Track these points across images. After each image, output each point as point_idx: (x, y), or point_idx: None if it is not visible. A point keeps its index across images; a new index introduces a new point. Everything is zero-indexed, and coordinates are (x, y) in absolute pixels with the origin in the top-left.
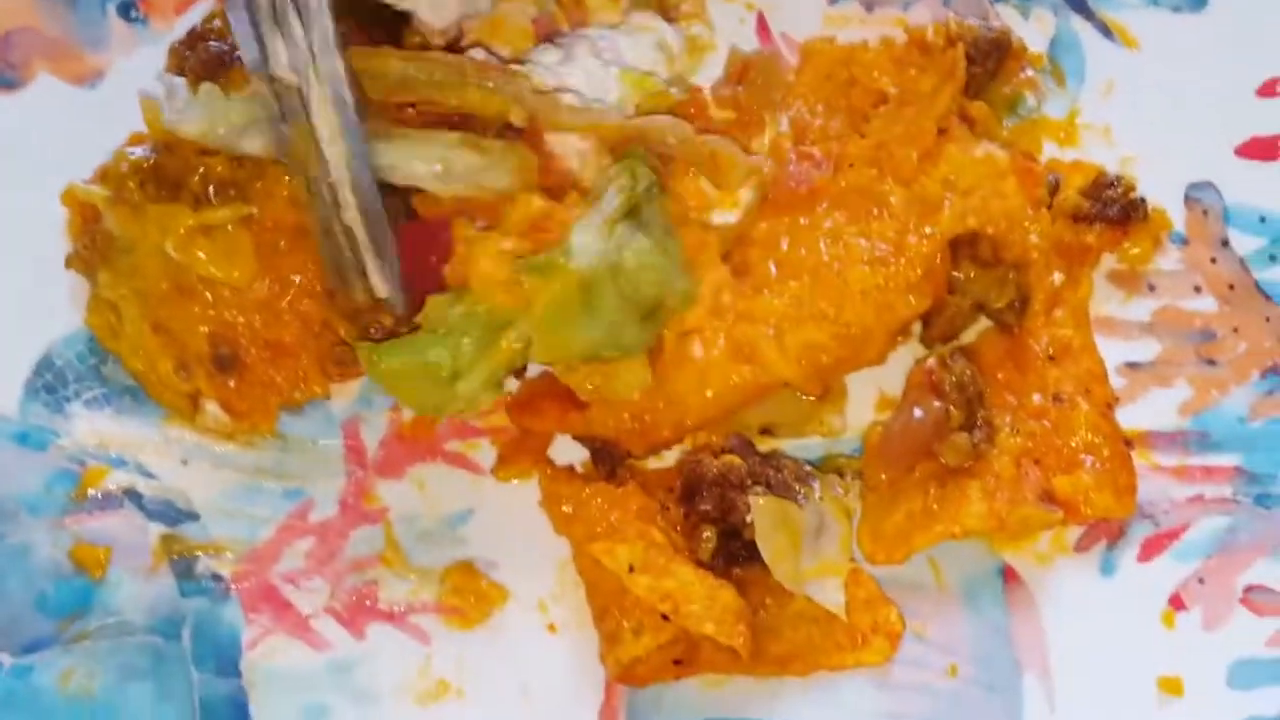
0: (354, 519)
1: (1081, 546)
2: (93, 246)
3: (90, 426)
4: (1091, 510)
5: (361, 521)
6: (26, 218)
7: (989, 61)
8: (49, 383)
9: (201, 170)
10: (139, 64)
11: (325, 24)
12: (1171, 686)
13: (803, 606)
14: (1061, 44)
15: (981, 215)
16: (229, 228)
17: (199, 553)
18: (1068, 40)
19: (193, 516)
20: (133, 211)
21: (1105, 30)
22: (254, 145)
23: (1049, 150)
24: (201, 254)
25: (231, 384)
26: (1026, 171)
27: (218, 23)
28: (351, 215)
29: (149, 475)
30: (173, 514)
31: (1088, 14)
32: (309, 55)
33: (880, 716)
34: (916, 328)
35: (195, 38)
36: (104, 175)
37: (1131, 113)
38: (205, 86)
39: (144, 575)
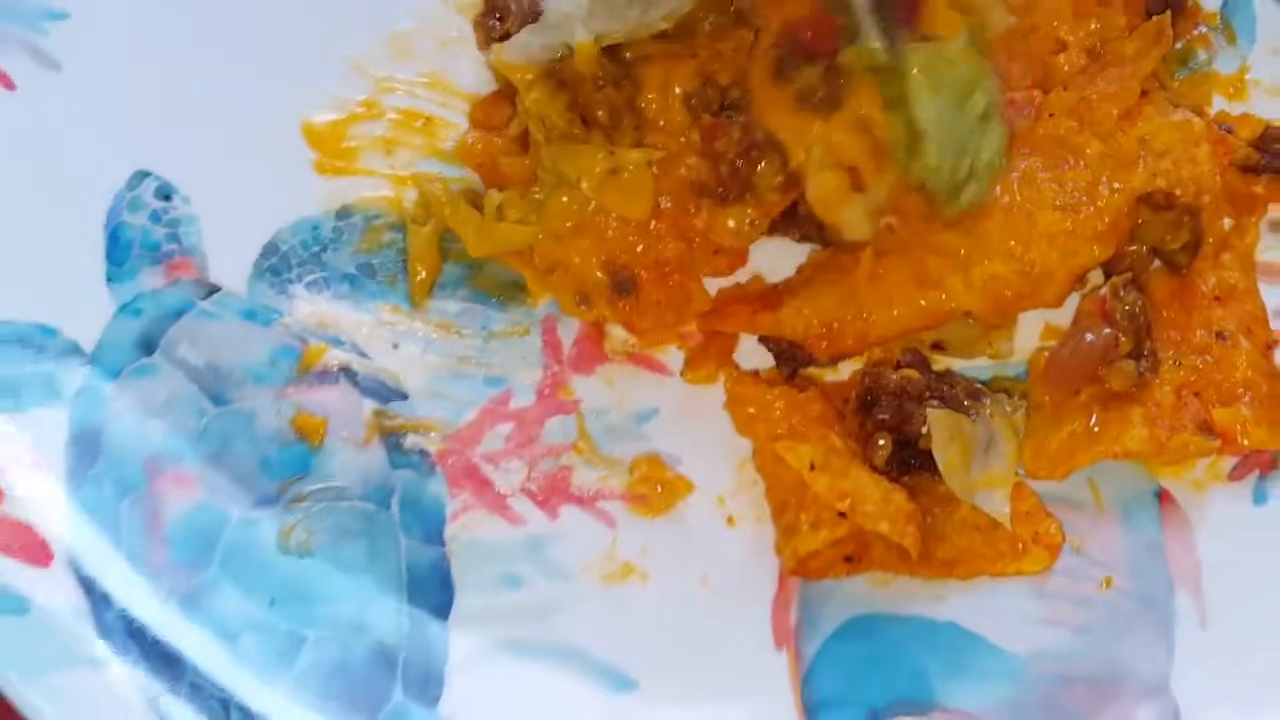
0: (549, 408)
1: (1236, 475)
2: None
3: (311, 308)
4: (1248, 441)
5: (556, 411)
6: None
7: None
8: (274, 265)
9: (606, 104)
10: None
11: None
12: None
13: (968, 514)
14: (1234, 4)
15: (1171, 177)
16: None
17: (408, 430)
18: (1240, 2)
19: (402, 396)
20: (562, 144)
21: None
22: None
23: (1218, 103)
24: (614, 196)
25: (630, 306)
26: (1220, 140)
27: None
28: None
29: (363, 355)
30: (384, 392)
31: None
32: None
33: (1038, 623)
34: (1094, 275)
35: None
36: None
37: None
38: None
39: (357, 446)
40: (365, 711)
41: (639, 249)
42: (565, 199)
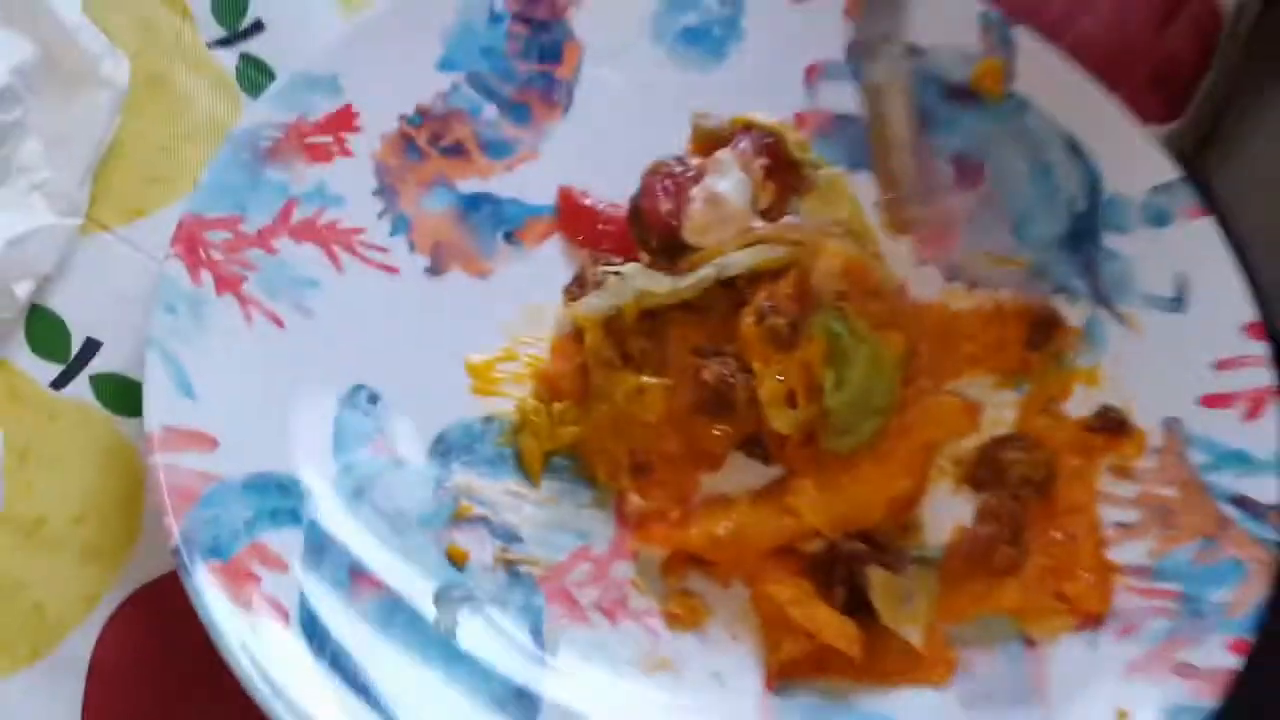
0: (616, 555)
1: (1077, 629)
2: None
3: (464, 479)
4: (1084, 607)
5: (621, 558)
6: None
7: (1046, 329)
8: (442, 449)
9: (640, 345)
10: (517, 270)
11: None
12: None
13: (897, 642)
14: (1091, 324)
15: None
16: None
17: (522, 562)
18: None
19: (520, 540)
20: (607, 370)
21: (1120, 319)
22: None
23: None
24: (637, 407)
25: (645, 483)
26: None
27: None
28: None
29: (496, 512)
30: (508, 536)
31: (1110, 308)
32: None
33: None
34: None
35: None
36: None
37: (1133, 369)
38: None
39: (489, 570)
40: None
41: (653, 445)
42: (605, 408)
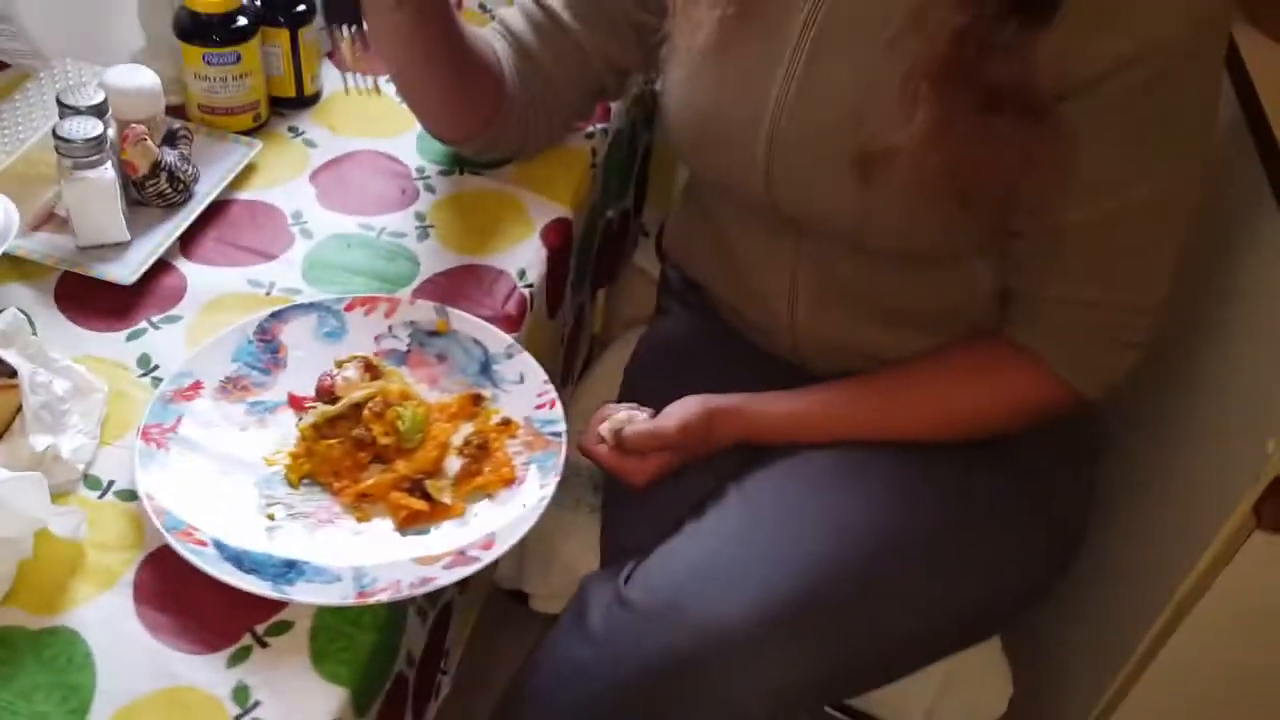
0: (335, 505)
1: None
2: None
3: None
4: (499, 481)
5: (338, 506)
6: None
7: (478, 400)
8: (256, 481)
9: (328, 428)
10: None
11: None
12: None
13: (440, 505)
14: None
15: None
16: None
17: (295, 512)
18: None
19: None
20: (315, 439)
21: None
22: None
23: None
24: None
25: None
26: None
27: None
28: None
29: (283, 498)
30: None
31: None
32: None
33: None
34: None
35: None
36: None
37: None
38: None
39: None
40: None
41: (338, 463)
42: (320, 450)
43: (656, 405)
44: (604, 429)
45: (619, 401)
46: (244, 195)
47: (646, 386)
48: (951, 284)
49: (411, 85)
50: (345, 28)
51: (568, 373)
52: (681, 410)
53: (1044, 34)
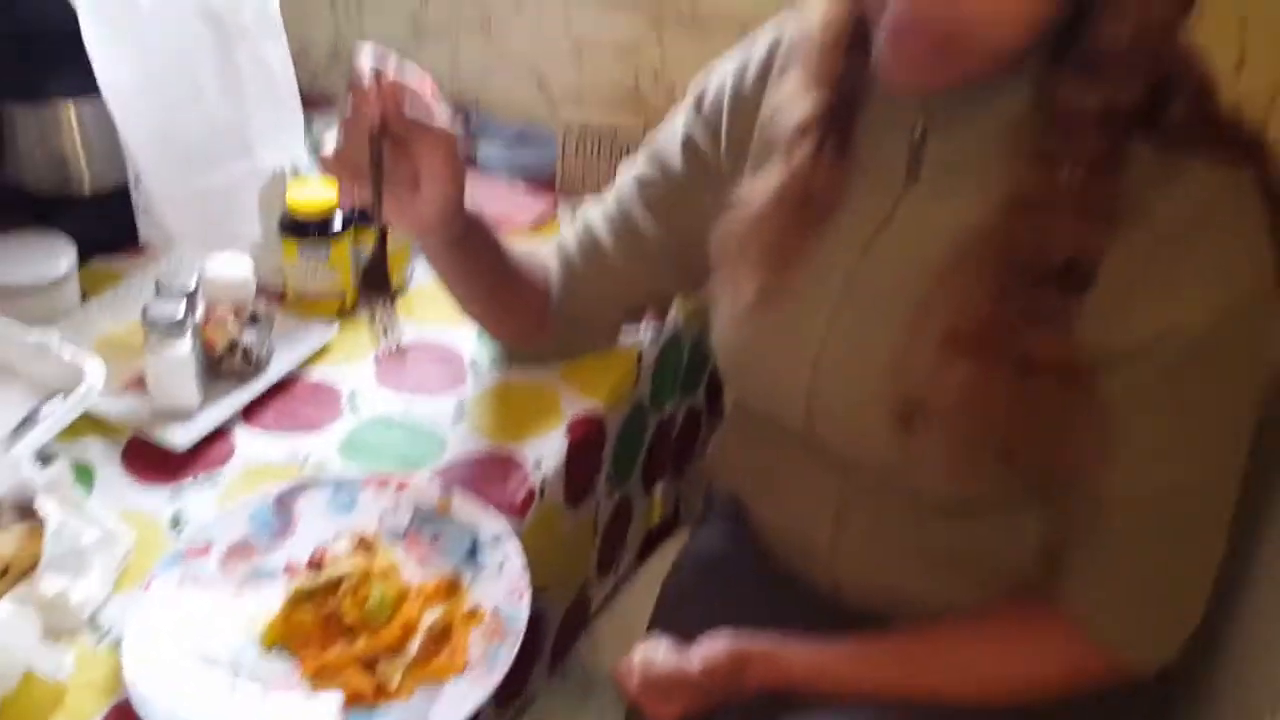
0: (296, 676)
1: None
2: None
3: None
4: (456, 667)
5: (297, 678)
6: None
7: (455, 585)
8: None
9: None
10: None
11: None
12: None
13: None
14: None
15: None
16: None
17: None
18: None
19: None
20: (301, 605)
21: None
22: None
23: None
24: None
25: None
26: None
27: None
28: None
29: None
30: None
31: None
32: None
33: None
34: None
35: None
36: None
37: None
38: None
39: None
40: None
41: (316, 630)
42: (304, 616)
43: (688, 626)
44: (635, 661)
45: (654, 613)
46: (314, 370)
47: (679, 603)
48: (999, 534)
49: (453, 297)
50: (380, 300)
51: (608, 562)
52: (708, 652)
53: (1080, 303)
